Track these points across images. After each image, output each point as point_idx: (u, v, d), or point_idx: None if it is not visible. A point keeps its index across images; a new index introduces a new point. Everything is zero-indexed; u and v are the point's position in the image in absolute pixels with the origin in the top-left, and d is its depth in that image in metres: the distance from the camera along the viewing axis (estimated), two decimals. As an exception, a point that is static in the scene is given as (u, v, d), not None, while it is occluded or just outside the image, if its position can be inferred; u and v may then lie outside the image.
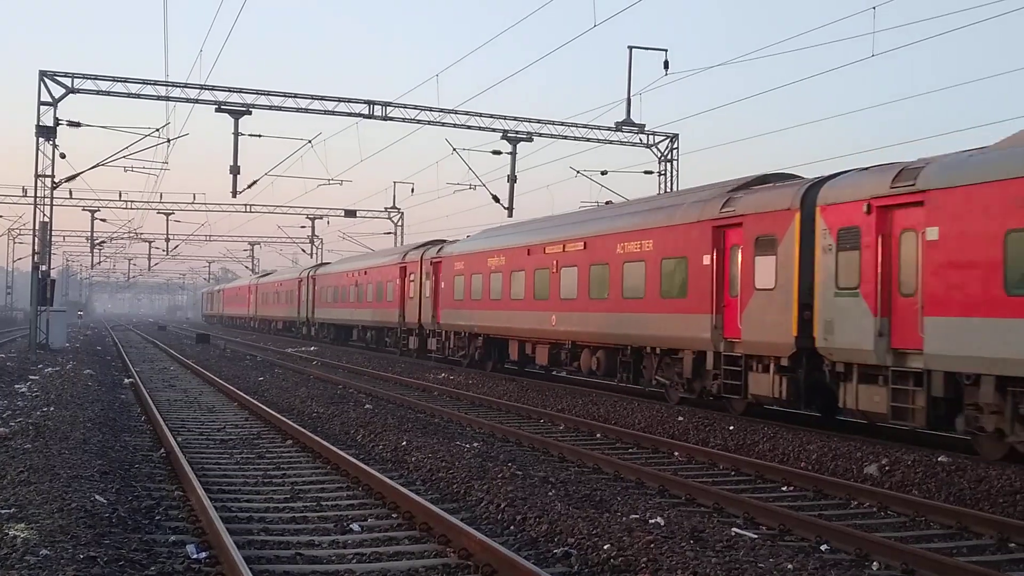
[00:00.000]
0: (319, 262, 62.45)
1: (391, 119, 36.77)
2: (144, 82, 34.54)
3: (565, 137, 39.03)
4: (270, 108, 35.47)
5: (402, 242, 64.68)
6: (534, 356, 27.14)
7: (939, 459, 13.13)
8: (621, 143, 39.63)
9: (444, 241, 38.13)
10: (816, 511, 11.08)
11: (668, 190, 39.00)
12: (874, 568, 8.67)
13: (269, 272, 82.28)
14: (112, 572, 7.56)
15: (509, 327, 28.30)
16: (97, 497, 10.03)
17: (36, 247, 37.98)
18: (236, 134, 35.20)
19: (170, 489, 11.54)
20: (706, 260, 18.96)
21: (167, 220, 72.96)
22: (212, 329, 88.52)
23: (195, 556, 8.39)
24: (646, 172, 40.67)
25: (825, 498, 11.97)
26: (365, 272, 45.56)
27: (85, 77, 34.24)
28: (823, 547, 9.31)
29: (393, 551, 8.83)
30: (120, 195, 64.68)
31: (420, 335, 37.44)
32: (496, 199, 40.42)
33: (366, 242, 72.46)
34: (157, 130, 37.05)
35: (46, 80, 34.25)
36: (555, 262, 25.38)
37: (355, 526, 9.79)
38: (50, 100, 34.47)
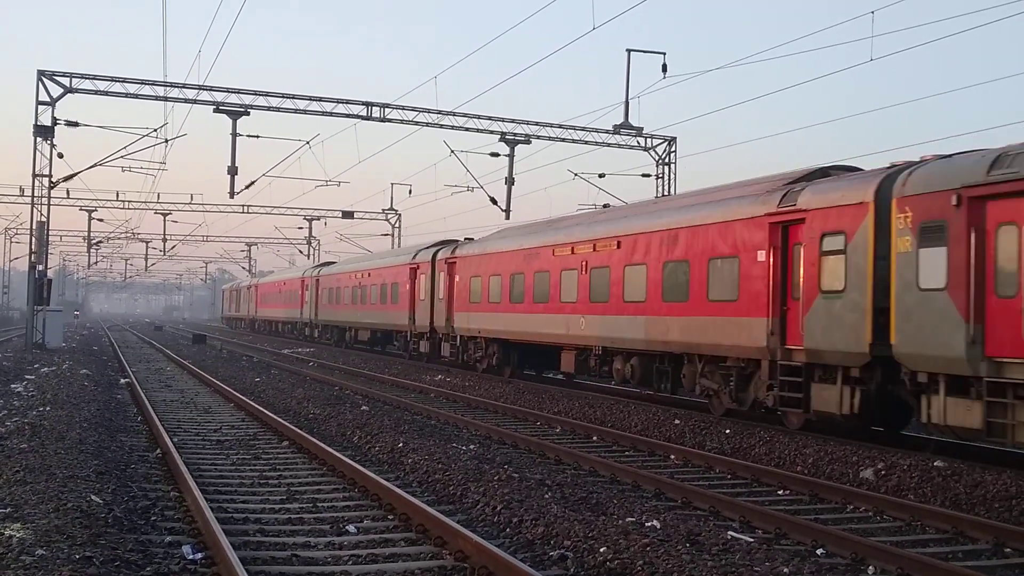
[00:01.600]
0: (446, 240, 37.86)
1: (389, 121, 36.81)
2: (142, 82, 34.57)
3: (563, 140, 39.09)
4: (268, 109, 35.51)
5: (399, 244, 64.40)
6: None
7: (935, 463, 13.14)
8: (619, 146, 39.71)
9: (836, 167, 18.32)
10: (812, 515, 11.08)
11: (666, 193, 39.05)
12: (870, 572, 8.68)
13: (330, 262, 61.38)
14: (108, 572, 7.54)
15: None
16: (93, 497, 10.02)
17: (33, 247, 37.94)
18: (234, 135, 35.21)
19: (166, 490, 11.53)
20: None
21: (164, 220, 73.00)
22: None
23: (191, 557, 8.38)
24: (644, 175, 40.76)
25: (821, 502, 11.97)
26: (633, 240, 21.74)
27: (83, 77, 34.26)
28: (819, 551, 9.31)
29: (389, 553, 8.83)
30: (117, 195, 64.75)
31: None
32: (494, 201, 40.46)
33: (364, 243, 72.31)
34: (155, 130, 37.08)
35: (44, 79, 34.26)
36: None
37: (351, 527, 9.78)
38: (48, 99, 34.48)
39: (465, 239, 35.43)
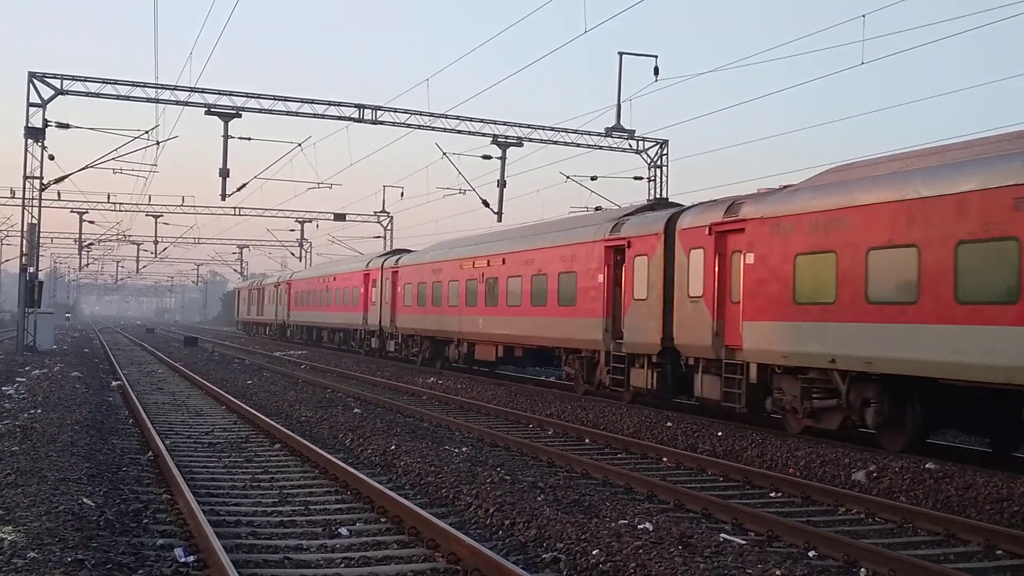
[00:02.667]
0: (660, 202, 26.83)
1: (381, 123, 36.80)
2: (134, 84, 34.50)
3: (555, 142, 39.12)
4: (260, 111, 35.47)
5: (391, 246, 64.24)
6: None
7: (927, 466, 13.17)
8: (611, 149, 39.78)
9: None
10: (804, 517, 11.10)
11: (659, 196, 39.11)
12: (862, 574, 8.70)
13: (405, 250, 44.15)
14: (100, 575, 7.53)
15: None
16: (85, 500, 9.99)
17: (24, 249, 37.86)
18: (226, 137, 35.14)
19: (158, 492, 11.50)
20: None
21: (156, 223, 72.88)
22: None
23: (183, 560, 8.37)
24: (636, 178, 40.82)
25: (813, 504, 11.99)
26: None
27: (74, 79, 34.18)
28: (811, 553, 9.33)
29: (381, 555, 8.83)
30: (109, 197, 64.52)
31: None
32: (486, 204, 40.47)
33: (355, 246, 72.03)
34: (146, 132, 36.99)
35: (35, 81, 34.18)
36: None
37: (343, 530, 9.78)
38: (39, 101, 34.41)
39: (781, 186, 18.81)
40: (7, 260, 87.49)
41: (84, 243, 78.34)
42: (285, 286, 62.03)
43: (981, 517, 11.00)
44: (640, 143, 39.77)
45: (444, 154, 39.78)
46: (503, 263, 28.20)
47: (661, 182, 40.03)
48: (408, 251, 41.98)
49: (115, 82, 34.32)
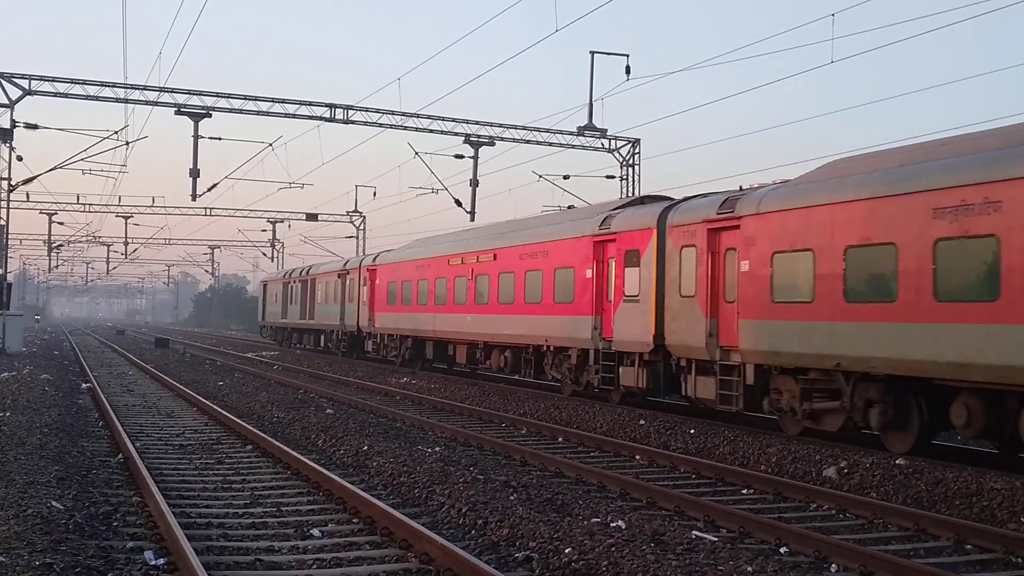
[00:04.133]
0: None
1: (353, 122, 36.70)
2: (102, 84, 34.24)
3: (527, 141, 39.14)
4: (230, 111, 35.29)
5: (363, 249, 64.05)
6: None
7: (897, 462, 13.27)
8: (583, 148, 39.84)
9: None
10: (776, 514, 11.15)
11: (630, 194, 39.23)
12: (832, 570, 8.74)
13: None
14: (68, 579, 7.46)
15: None
16: (54, 503, 9.91)
17: (-8, 250, 37.51)
18: (196, 137, 34.96)
19: (128, 495, 11.41)
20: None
21: (126, 223, 72.45)
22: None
23: (153, 562, 8.31)
24: (608, 176, 40.91)
25: (785, 501, 12.05)
26: None
27: (42, 79, 33.86)
28: (782, 549, 9.37)
29: (354, 556, 8.80)
30: (78, 198, 64.02)
31: None
32: (459, 203, 40.46)
33: (328, 246, 71.57)
34: (116, 133, 36.77)
35: (2, 82, 33.83)
36: None
37: (315, 531, 9.74)
38: (7, 102, 34.07)
39: None
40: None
41: (53, 244, 77.77)
42: (363, 274, 39.95)
43: (951, 512, 11.10)
44: (612, 142, 39.87)
45: (416, 153, 39.76)
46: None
47: (633, 181, 40.15)
48: (666, 198, 22.28)
49: (84, 82, 34.07)
